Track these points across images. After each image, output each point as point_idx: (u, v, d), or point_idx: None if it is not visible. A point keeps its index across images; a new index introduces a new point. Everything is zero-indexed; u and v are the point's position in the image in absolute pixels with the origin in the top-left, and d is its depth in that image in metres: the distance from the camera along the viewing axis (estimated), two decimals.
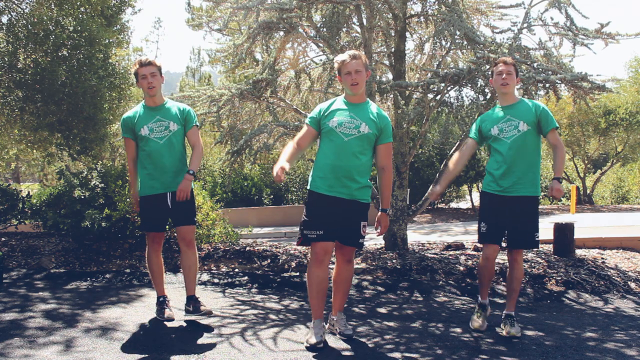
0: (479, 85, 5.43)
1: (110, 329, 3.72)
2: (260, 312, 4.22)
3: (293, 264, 5.54)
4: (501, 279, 5.04)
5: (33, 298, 4.59)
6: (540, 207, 18.07)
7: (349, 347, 3.38)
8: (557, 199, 3.69)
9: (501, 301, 4.50)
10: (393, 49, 6.18)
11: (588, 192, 18.96)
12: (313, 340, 3.27)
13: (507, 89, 3.78)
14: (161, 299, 3.99)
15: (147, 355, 3.20)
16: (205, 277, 5.32)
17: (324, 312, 3.48)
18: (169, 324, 3.84)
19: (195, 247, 3.99)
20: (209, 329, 3.75)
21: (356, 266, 5.39)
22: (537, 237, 3.76)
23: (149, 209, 3.89)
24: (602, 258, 5.98)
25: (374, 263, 5.59)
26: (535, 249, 6.12)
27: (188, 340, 3.50)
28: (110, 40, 7.47)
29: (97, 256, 5.94)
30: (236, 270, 5.49)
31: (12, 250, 6.53)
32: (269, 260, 5.73)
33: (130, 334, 3.60)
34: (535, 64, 5.31)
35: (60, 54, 6.75)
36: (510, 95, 3.83)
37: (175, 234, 6.10)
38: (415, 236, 9.38)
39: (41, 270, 5.61)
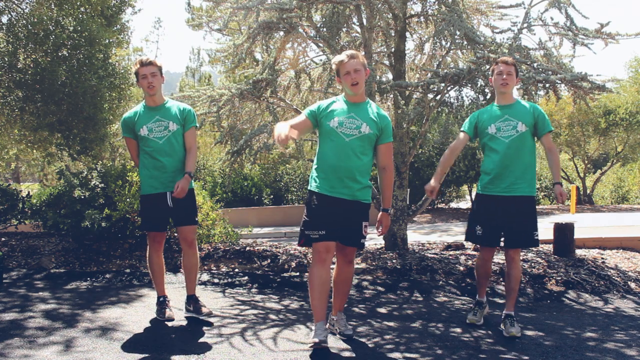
0: (479, 85, 5.43)
1: (110, 329, 3.72)
2: (260, 312, 4.22)
3: (293, 264, 5.54)
4: (501, 279, 5.04)
5: (33, 298, 4.59)
6: (540, 207, 18.03)
7: (349, 347, 3.38)
8: (563, 202, 3.77)
9: (501, 301, 4.50)
10: (393, 49, 6.18)
11: (588, 192, 18.95)
12: (317, 339, 3.18)
13: (506, 89, 3.81)
14: (161, 299, 3.99)
15: (147, 355, 3.20)
16: (205, 277, 5.32)
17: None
18: (169, 324, 3.84)
19: (197, 248, 4.01)
20: (209, 329, 3.75)
21: (356, 266, 5.39)
22: (537, 235, 3.78)
23: (150, 208, 3.90)
24: (602, 258, 5.98)
25: (374, 263, 5.59)
26: (536, 249, 6.18)
27: (188, 340, 3.50)
28: (110, 40, 7.47)
29: (97, 256, 5.94)
30: (236, 270, 5.49)
31: (12, 250, 6.53)
32: (269, 260, 5.73)
33: (130, 334, 3.60)
34: (535, 64, 5.31)
35: (60, 54, 6.75)
36: (509, 95, 3.86)
37: (176, 234, 6.12)
38: (415, 236, 9.38)
39: (41, 270, 5.61)
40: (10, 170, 18.04)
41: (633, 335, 3.73)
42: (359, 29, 6.44)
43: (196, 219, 4.02)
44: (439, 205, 16.06)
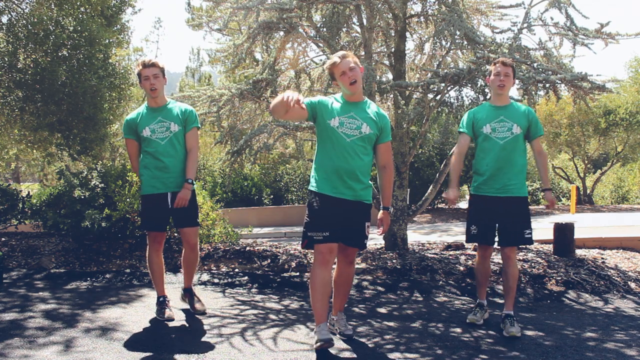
0: (479, 85, 5.43)
1: (110, 329, 3.72)
2: (260, 312, 4.22)
3: (293, 264, 5.54)
4: (501, 279, 5.03)
5: (33, 298, 4.59)
6: (540, 207, 18.01)
7: (349, 347, 3.38)
8: (553, 208, 3.87)
9: (501, 301, 4.49)
10: (393, 49, 6.18)
11: (588, 192, 18.95)
12: (323, 338, 3.14)
13: (503, 91, 3.85)
14: (161, 299, 4.00)
15: (147, 355, 3.20)
16: (205, 277, 5.32)
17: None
18: (169, 324, 3.84)
19: (197, 247, 4.09)
20: (209, 329, 3.75)
21: (356, 266, 5.39)
22: (528, 234, 3.83)
23: (150, 208, 3.93)
24: (602, 258, 5.98)
25: (374, 263, 5.59)
26: (535, 249, 6.19)
27: (188, 340, 3.51)
28: (110, 40, 7.47)
29: (97, 256, 5.94)
30: (236, 270, 5.49)
31: (12, 250, 6.53)
32: (269, 260, 5.73)
33: (130, 334, 3.60)
34: (535, 64, 5.31)
35: (60, 54, 6.75)
36: (505, 97, 3.90)
37: (176, 234, 6.13)
38: (415, 236, 9.38)
39: (41, 270, 5.61)
40: (10, 170, 18.04)
41: (633, 335, 3.73)
42: (359, 29, 6.45)
43: (197, 220, 4.05)
44: (439, 205, 16.06)
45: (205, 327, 3.78)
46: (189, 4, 19.08)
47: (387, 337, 3.62)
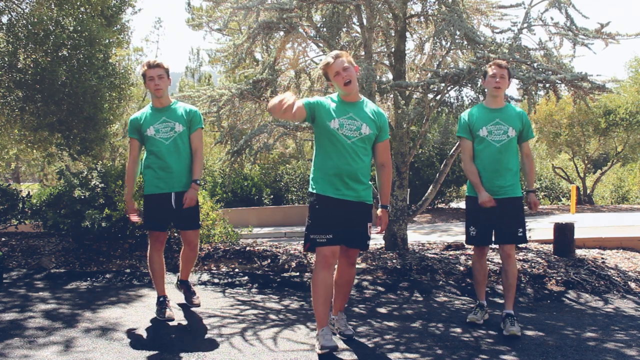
0: (479, 85, 5.43)
1: (110, 329, 3.72)
2: (260, 312, 4.22)
3: (293, 264, 5.54)
4: (500, 279, 5.03)
5: (33, 298, 4.59)
6: (540, 207, 18.03)
7: (349, 347, 3.38)
8: (535, 210, 3.96)
9: (501, 301, 4.49)
10: (393, 49, 6.18)
11: (588, 192, 18.95)
12: (328, 345, 3.09)
13: (499, 92, 3.88)
14: (161, 298, 4.00)
15: (147, 355, 3.20)
16: (205, 277, 5.32)
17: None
18: (169, 324, 3.84)
19: (197, 248, 4.18)
20: (209, 329, 3.75)
21: (356, 266, 5.38)
22: (522, 232, 3.88)
23: (153, 208, 3.96)
24: (602, 258, 5.98)
25: (374, 263, 5.59)
26: (536, 249, 6.19)
27: (188, 340, 3.51)
28: (110, 40, 7.47)
29: (97, 256, 5.94)
30: (236, 270, 5.49)
31: (12, 250, 6.53)
32: (269, 260, 5.73)
33: (130, 334, 3.60)
34: (535, 64, 5.31)
35: (60, 54, 6.75)
36: (501, 99, 3.94)
37: (176, 234, 6.13)
38: (415, 236, 9.38)
39: (41, 270, 5.61)
40: (10, 170, 18.04)
41: (633, 335, 3.73)
42: (359, 29, 6.44)
43: (199, 223, 4.12)
44: (439, 205, 16.06)
45: (205, 327, 3.78)
46: (189, 4, 19.06)
47: (387, 337, 3.62)
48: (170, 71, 4.00)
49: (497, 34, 6.03)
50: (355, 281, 5.05)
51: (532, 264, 5.49)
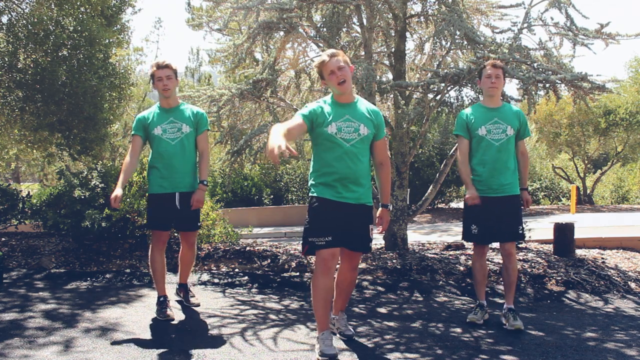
0: (478, 85, 5.43)
1: (110, 329, 3.72)
2: (260, 312, 4.22)
3: (293, 264, 5.54)
4: (501, 279, 5.03)
5: (33, 298, 4.59)
6: (540, 207, 17.97)
7: (349, 347, 3.38)
8: (528, 207, 4.02)
9: (501, 301, 4.49)
10: (393, 49, 6.18)
11: (588, 192, 18.95)
12: (328, 352, 3.06)
13: (495, 92, 3.94)
14: (162, 298, 4.01)
15: (146, 355, 3.20)
16: (205, 277, 5.32)
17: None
18: (169, 324, 3.84)
19: (195, 247, 4.25)
20: (209, 329, 3.75)
21: None
22: (522, 230, 3.96)
23: (157, 207, 3.99)
24: (602, 258, 5.98)
25: (374, 263, 5.59)
26: (536, 249, 6.19)
27: (188, 340, 3.51)
28: (111, 40, 7.47)
29: (97, 256, 5.94)
30: (236, 270, 5.50)
31: (12, 250, 6.53)
32: (269, 260, 5.73)
33: (130, 334, 3.60)
34: (535, 64, 5.31)
35: (60, 54, 6.75)
36: (497, 98, 3.99)
37: (176, 234, 6.13)
38: (415, 236, 9.38)
39: (41, 270, 5.61)
40: (10, 170, 18.04)
41: (633, 335, 3.73)
42: (359, 29, 6.44)
43: (199, 224, 4.22)
44: (439, 205, 16.06)
45: (205, 327, 3.78)
46: (189, 4, 19.05)
47: (387, 337, 3.62)
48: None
49: (497, 34, 6.03)
50: (356, 281, 5.05)
51: (532, 264, 5.49)
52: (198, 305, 4.28)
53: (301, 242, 3.33)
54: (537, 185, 21.01)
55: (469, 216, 4.00)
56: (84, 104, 6.80)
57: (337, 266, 3.49)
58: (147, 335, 3.61)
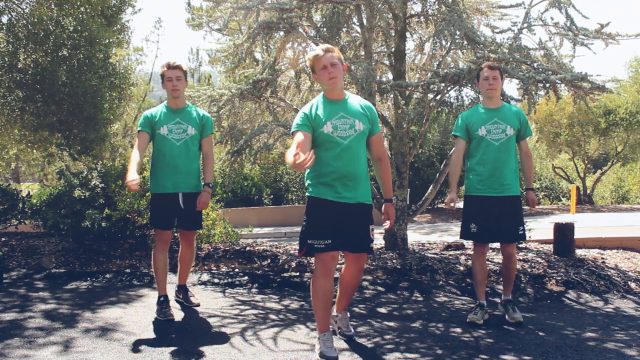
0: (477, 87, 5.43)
1: (110, 329, 3.72)
2: (261, 312, 4.22)
3: (293, 264, 5.54)
4: (501, 279, 5.03)
5: (33, 298, 4.59)
6: (540, 207, 18.00)
7: (349, 347, 3.38)
8: (533, 208, 4.04)
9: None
10: (393, 49, 6.18)
11: (588, 192, 18.95)
12: (328, 355, 3.05)
13: (493, 94, 3.98)
14: (162, 298, 4.02)
15: (146, 355, 3.20)
16: (205, 277, 5.32)
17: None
18: (169, 324, 3.84)
19: (194, 245, 4.33)
20: (209, 328, 3.75)
21: None
22: (522, 230, 3.99)
23: (160, 207, 4.03)
24: (602, 258, 5.98)
25: (374, 263, 5.59)
26: (536, 250, 6.19)
27: (188, 340, 3.51)
28: (111, 40, 7.47)
29: (97, 256, 5.94)
30: (236, 270, 5.49)
31: (12, 250, 6.53)
32: (269, 260, 5.73)
33: (130, 334, 3.60)
34: (535, 64, 5.31)
35: (60, 54, 6.75)
36: (496, 99, 4.02)
37: (176, 234, 6.13)
38: (415, 236, 9.38)
39: (41, 270, 5.61)
40: (10, 170, 18.04)
41: (633, 335, 3.73)
42: (359, 29, 6.44)
43: (201, 224, 4.31)
44: (439, 205, 16.05)
45: (205, 327, 3.78)
46: (189, 4, 19.06)
47: (387, 337, 3.62)
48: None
49: (497, 34, 6.03)
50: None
51: (532, 264, 5.49)
52: (198, 305, 4.30)
53: (298, 242, 3.28)
54: (537, 185, 21.02)
55: (468, 214, 4.03)
56: (84, 104, 6.80)
57: (342, 266, 3.49)
58: (147, 335, 3.61)
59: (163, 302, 3.99)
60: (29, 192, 7.93)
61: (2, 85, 6.90)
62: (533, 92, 5.30)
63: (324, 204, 3.16)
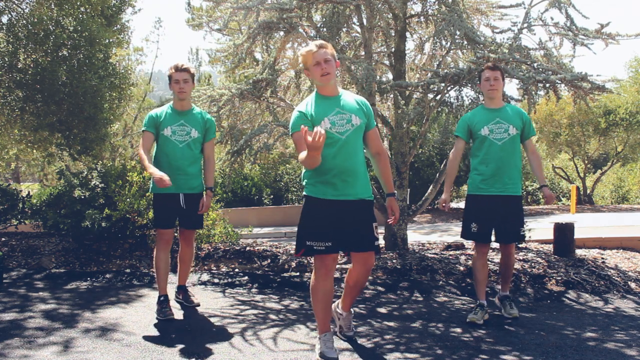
0: (479, 88, 5.43)
1: (110, 329, 3.72)
2: (260, 312, 4.22)
3: (293, 264, 5.54)
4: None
5: (33, 298, 4.59)
6: (540, 207, 17.98)
7: (349, 347, 3.38)
8: (551, 203, 4.03)
9: None
10: (393, 49, 6.18)
11: (588, 192, 18.95)
12: (328, 356, 3.03)
13: (495, 94, 4.00)
14: (162, 297, 4.02)
15: (146, 355, 3.20)
16: (205, 277, 5.32)
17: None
18: (169, 324, 3.84)
19: (194, 245, 4.39)
20: (208, 328, 3.75)
21: None
22: (523, 231, 4.03)
23: (161, 207, 4.07)
24: (602, 258, 5.98)
25: (374, 263, 5.58)
26: (536, 250, 6.19)
27: (188, 340, 3.50)
28: (111, 40, 7.47)
29: (97, 256, 5.94)
30: (236, 270, 5.49)
31: (12, 250, 6.53)
32: (269, 260, 5.73)
33: (130, 334, 3.60)
34: (535, 64, 5.31)
35: (60, 54, 6.75)
36: (498, 99, 4.05)
37: (176, 234, 6.13)
38: (415, 236, 9.38)
39: (41, 270, 5.61)
40: (10, 170, 18.04)
41: (633, 335, 3.72)
42: (359, 29, 6.44)
43: (203, 223, 4.38)
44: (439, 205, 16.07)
45: (205, 327, 3.78)
46: (189, 4, 19.05)
47: (387, 337, 3.62)
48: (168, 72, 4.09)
49: (497, 34, 6.03)
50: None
51: (532, 264, 5.49)
52: (198, 305, 4.31)
53: (295, 242, 3.22)
54: (537, 185, 21.00)
55: (470, 214, 4.05)
56: (84, 104, 6.80)
57: (348, 267, 3.46)
58: (147, 335, 3.61)
59: (163, 302, 3.99)
60: (29, 192, 7.94)
61: (2, 85, 6.90)
62: (533, 92, 5.31)
63: (323, 204, 3.10)
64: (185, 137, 4.03)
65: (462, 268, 5.37)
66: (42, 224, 6.36)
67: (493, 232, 4.01)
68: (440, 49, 6.28)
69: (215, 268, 5.60)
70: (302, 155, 2.92)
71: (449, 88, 5.51)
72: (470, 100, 5.77)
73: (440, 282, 5.07)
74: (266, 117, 6.88)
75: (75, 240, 6.19)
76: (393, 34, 6.16)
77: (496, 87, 3.95)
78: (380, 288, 4.98)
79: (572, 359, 3.21)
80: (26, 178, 22.77)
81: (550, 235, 6.27)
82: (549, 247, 6.28)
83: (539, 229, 7.34)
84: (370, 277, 5.18)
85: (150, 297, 4.58)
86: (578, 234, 6.21)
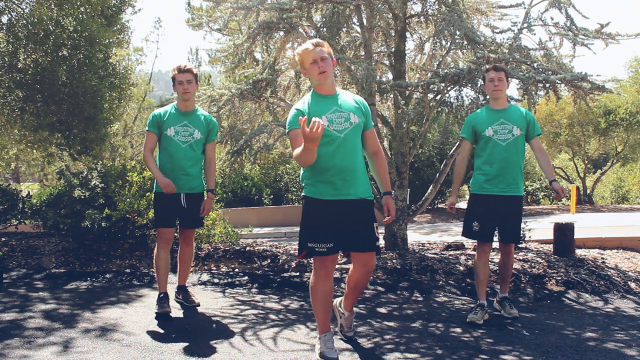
0: (479, 85, 5.43)
1: (110, 329, 3.72)
2: (260, 312, 4.22)
3: (293, 264, 5.54)
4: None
5: (33, 298, 4.59)
6: (540, 207, 18.00)
7: (349, 347, 3.38)
8: (561, 198, 4.04)
9: None
10: (393, 49, 6.18)
11: (588, 192, 18.95)
12: (329, 356, 3.02)
13: (499, 95, 4.02)
14: (162, 295, 4.03)
15: (146, 355, 3.20)
16: (205, 277, 5.32)
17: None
18: (169, 324, 3.84)
19: (193, 244, 4.42)
20: (208, 328, 3.75)
21: None
22: (522, 231, 4.04)
23: (162, 206, 4.09)
24: (602, 258, 5.98)
25: (375, 264, 5.58)
26: (536, 250, 6.19)
27: (188, 340, 3.50)
28: (111, 40, 7.47)
29: (97, 256, 5.94)
30: (236, 270, 5.49)
31: (12, 250, 6.53)
32: (269, 260, 5.73)
33: (130, 334, 3.60)
34: (535, 64, 5.31)
35: (60, 54, 6.75)
36: (502, 100, 4.06)
37: (176, 234, 6.13)
38: (415, 236, 9.38)
39: (41, 270, 5.61)
40: (10, 170, 18.04)
41: (633, 335, 3.72)
42: (359, 29, 6.44)
43: (203, 222, 4.43)
44: (439, 205, 16.06)
45: (205, 327, 3.78)
46: (189, 4, 19.04)
47: (387, 337, 3.62)
48: (168, 71, 4.11)
49: (497, 34, 6.04)
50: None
51: (532, 264, 5.49)
52: (198, 305, 4.31)
53: (297, 244, 3.20)
54: (537, 185, 21.01)
55: (472, 213, 4.07)
56: (84, 104, 6.80)
57: (349, 267, 3.48)
58: (147, 335, 3.61)
59: (162, 299, 3.99)
60: (29, 192, 7.94)
61: (2, 85, 6.90)
62: (533, 92, 5.31)
63: (322, 205, 3.06)
64: (188, 138, 4.07)
65: (462, 268, 5.37)
66: (42, 224, 6.37)
67: (495, 231, 4.04)
68: (440, 49, 6.28)
69: (215, 268, 5.60)
70: (297, 150, 2.88)
71: (449, 88, 5.51)
72: (470, 100, 5.77)
73: (440, 282, 5.07)
74: (266, 117, 6.88)
75: (75, 240, 6.19)
76: (393, 34, 6.16)
77: (500, 87, 3.96)
78: (380, 288, 4.98)
79: (572, 359, 3.21)
80: (26, 178, 22.77)
81: (550, 235, 6.27)
82: (549, 247, 6.28)
83: (539, 229, 7.33)
84: (370, 277, 5.17)
85: (150, 297, 4.58)
86: (578, 234, 6.21)
